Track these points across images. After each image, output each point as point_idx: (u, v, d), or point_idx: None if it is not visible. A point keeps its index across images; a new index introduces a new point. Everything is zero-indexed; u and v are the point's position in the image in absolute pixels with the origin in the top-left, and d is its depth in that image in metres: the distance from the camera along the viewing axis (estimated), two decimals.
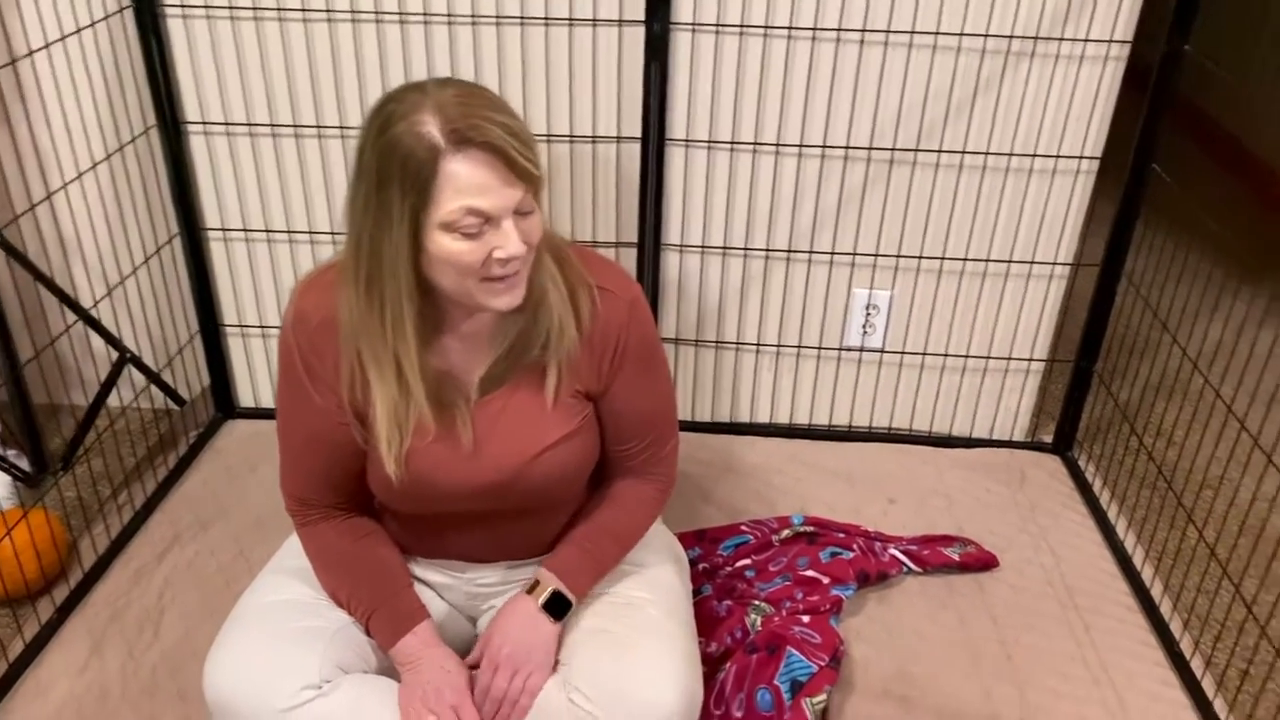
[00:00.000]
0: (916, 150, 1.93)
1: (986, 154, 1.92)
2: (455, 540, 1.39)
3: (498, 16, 1.84)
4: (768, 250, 2.04)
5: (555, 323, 1.25)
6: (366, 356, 1.21)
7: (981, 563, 1.83)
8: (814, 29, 1.83)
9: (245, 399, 2.25)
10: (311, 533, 1.37)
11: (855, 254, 2.03)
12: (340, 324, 1.22)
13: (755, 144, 1.93)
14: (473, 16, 1.84)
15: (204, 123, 1.95)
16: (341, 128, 1.94)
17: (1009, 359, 2.12)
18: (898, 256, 2.03)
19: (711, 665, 1.54)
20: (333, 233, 2.05)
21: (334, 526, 1.36)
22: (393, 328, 1.18)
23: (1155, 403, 2.22)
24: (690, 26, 1.84)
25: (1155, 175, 1.85)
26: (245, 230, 2.06)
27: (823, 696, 1.47)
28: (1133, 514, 1.97)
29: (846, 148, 1.93)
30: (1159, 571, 1.83)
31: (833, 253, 2.03)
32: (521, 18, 1.84)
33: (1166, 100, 1.83)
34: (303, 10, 1.85)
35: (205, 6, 1.85)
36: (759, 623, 1.59)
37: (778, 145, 1.93)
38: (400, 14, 1.85)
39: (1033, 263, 2.01)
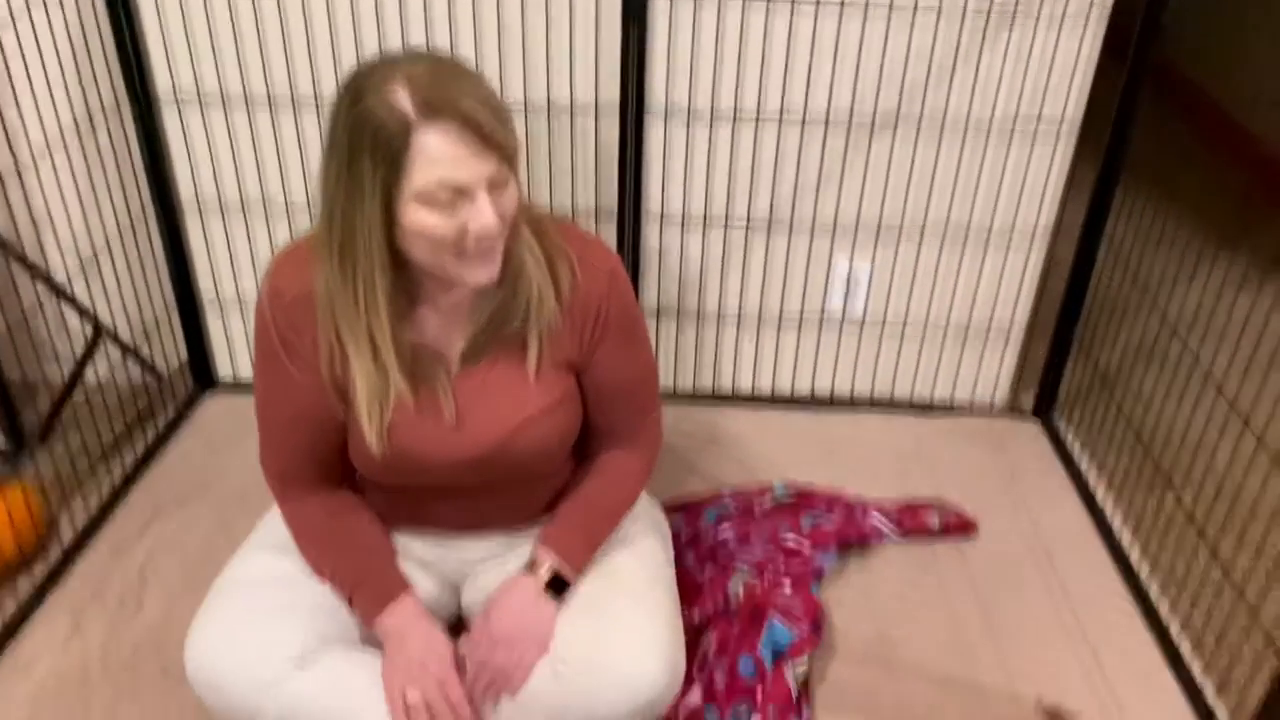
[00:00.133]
0: (897, 117, 1.92)
1: (967, 119, 1.91)
2: (439, 512, 1.39)
3: None
4: (748, 220, 2.03)
5: (534, 294, 1.24)
6: (344, 330, 1.20)
7: (961, 528, 1.84)
8: None
9: (224, 372, 2.23)
10: (294, 508, 1.36)
11: (836, 222, 2.02)
12: (317, 298, 1.21)
13: (735, 112, 1.92)
14: None
15: (176, 93, 1.92)
16: (316, 98, 1.92)
17: (989, 326, 2.12)
18: (878, 224, 2.02)
19: (694, 633, 1.55)
20: (309, 204, 2.03)
21: (316, 501, 1.36)
22: (366, 302, 1.17)
23: (1135, 368, 2.24)
24: None
25: (1135, 140, 1.85)
26: (220, 202, 2.03)
27: (804, 662, 1.49)
28: (1112, 478, 1.98)
29: (827, 115, 1.92)
30: (1137, 535, 1.85)
31: (813, 221, 2.02)
32: None
33: (1146, 65, 1.82)
34: None
35: None
36: (741, 591, 1.60)
37: (758, 113, 1.92)
38: None
39: (1013, 229, 2.01)
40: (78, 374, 1.98)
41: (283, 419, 1.31)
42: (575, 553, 1.34)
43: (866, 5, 1.82)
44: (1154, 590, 1.73)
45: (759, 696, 1.44)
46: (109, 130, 1.94)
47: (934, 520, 1.83)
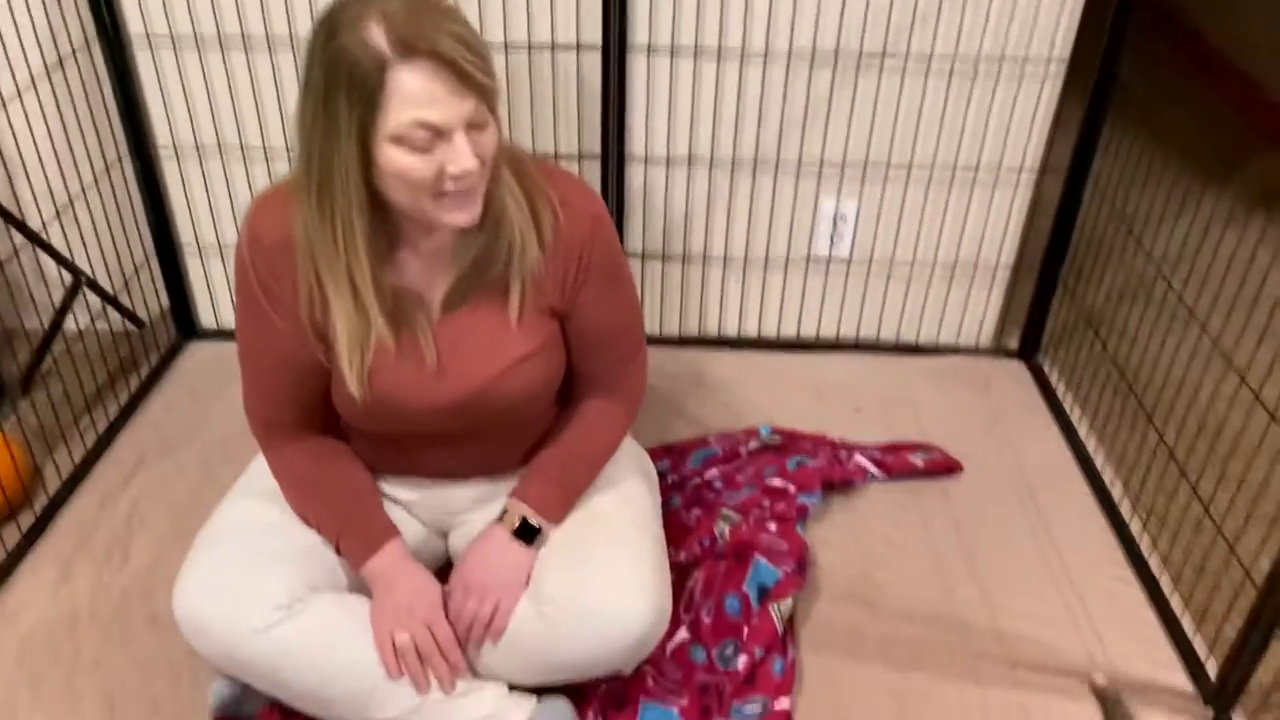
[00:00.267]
0: (883, 54, 1.89)
1: (954, 57, 1.89)
2: (424, 458, 1.39)
3: None
4: (733, 160, 2.00)
5: (517, 238, 1.23)
6: (323, 273, 1.19)
7: (945, 468, 1.85)
8: None
9: (206, 320, 2.22)
10: (278, 455, 1.36)
11: (822, 162, 2.00)
12: (296, 241, 1.19)
13: (720, 50, 1.89)
14: None
15: (148, 34, 1.88)
16: (292, 37, 1.88)
17: (975, 266, 2.12)
18: (864, 164, 2.00)
19: (681, 573, 1.56)
20: (288, 149, 1.99)
21: (301, 448, 1.35)
22: (345, 244, 1.15)
23: (1119, 307, 2.24)
24: None
25: (1123, 78, 1.83)
26: (197, 146, 2.00)
27: (789, 601, 1.50)
28: (1095, 417, 2.00)
29: (813, 53, 1.89)
30: (1119, 473, 1.87)
31: (799, 161, 2.00)
32: None
33: (1133, 2, 1.79)
34: None
35: None
36: (727, 531, 1.61)
37: (743, 50, 1.89)
38: None
39: (999, 168, 2.00)
40: (58, 323, 1.96)
41: (265, 366, 1.30)
42: (548, 500, 1.34)
43: None
44: (1135, 527, 1.75)
45: (745, 635, 1.46)
46: (80, 73, 1.90)
47: (919, 461, 1.84)
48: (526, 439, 1.41)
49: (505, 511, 1.35)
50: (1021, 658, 1.52)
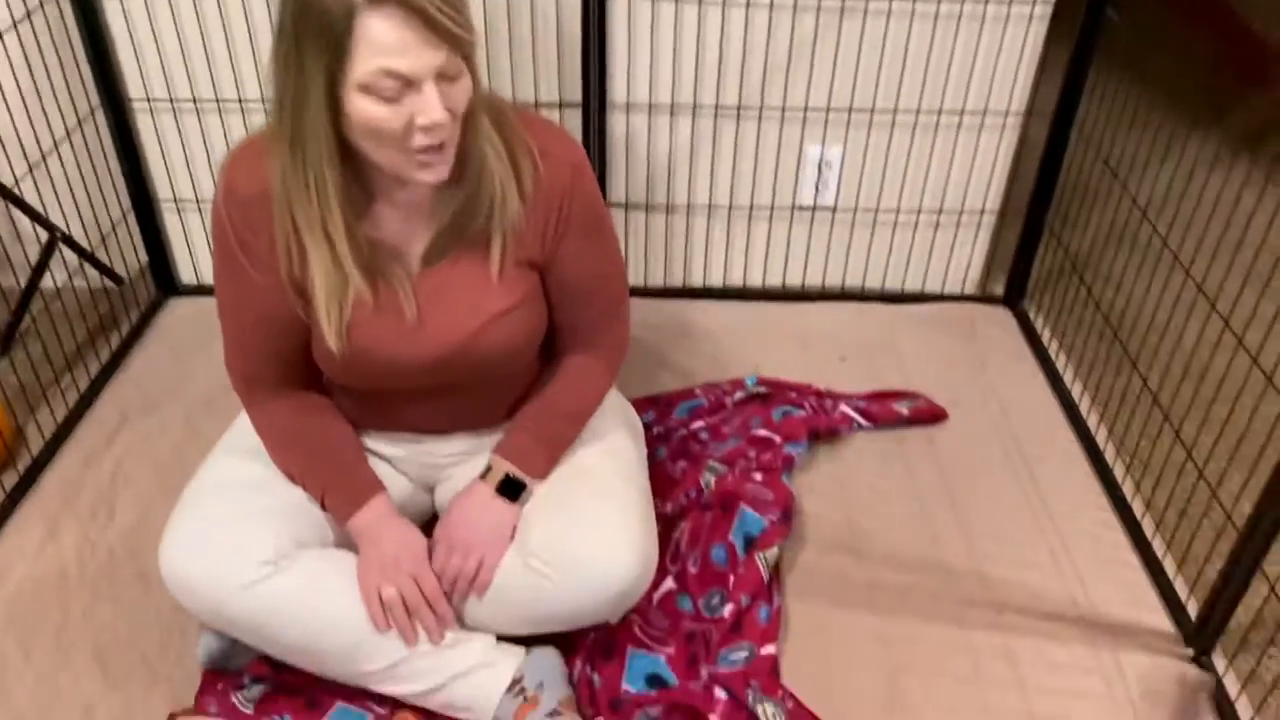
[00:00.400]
0: None
1: (939, 0, 1.86)
2: (407, 413, 1.38)
3: None
4: (717, 107, 1.98)
5: (498, 191, 1.21)
6: (300, 223, 1.17)
7: (931, 416, 1.86)
8: None
9: (186, 276, 2.19)
10: (261, 411, 1.35)
11: (806, 109, 1.98)
12: (273, 192, 1.17)
13: None
14: None
15: None
16: None
17: (961, 212, 2.11)
18: (849, 110, 1.98)
19: (667, 525, 1.57)
20: (263, 99, 1.96)
21: (283, 404, 1.35)
22: (317, 194, 1.13)
23: (1105, 251, 2.23)
24: None
25: (1109, 20, 1.81)
26: (172, 99, 1.96)
27: (775, 550, 1.51)
28: (1080, 363, 2.00)
29: None
30: (1104, 418, 1.87)
31: (783, 108, 1.98)
32: None
33: None
34: None
35: None
36: (713, 482, 1.61)
37: None
38: None
39: (985, 113, 1.98)
40: (35, 281, 1.94)
41: (245, 321, 1.29)
42: (532, 455, 1.34)
43: None
44: (1119, 471, 1.76)
45: (731, 584, 1.47)
46: (49, 25, 1.86)
47: (904, 409, 1.85)
48: (510, 394, 1.40)
49: (489, 467, 1.34)
50: (1006, 602, 1.53)
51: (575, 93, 1.95)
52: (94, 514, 1.65)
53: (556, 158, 1.25)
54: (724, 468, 1.65)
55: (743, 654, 1.40)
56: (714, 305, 2.16)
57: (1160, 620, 1.52)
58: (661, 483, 1.62)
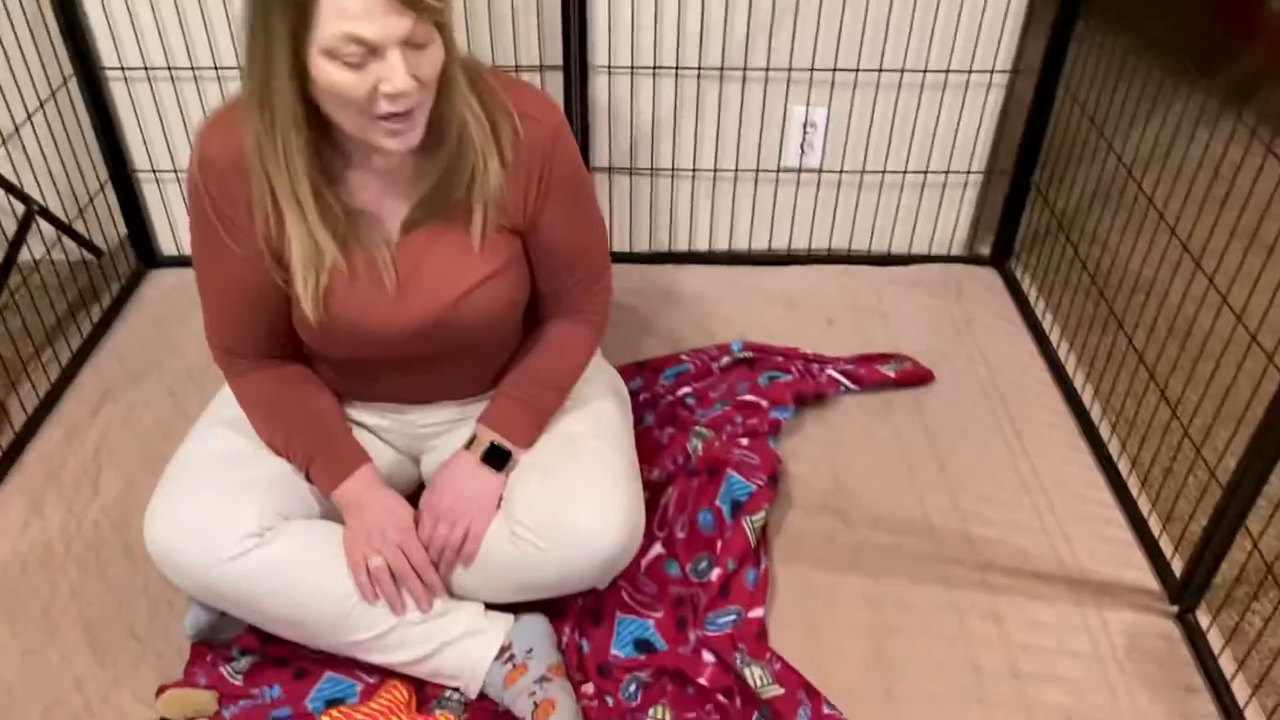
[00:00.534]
0: None
1: None
2: (391, 383, 1.38)
3: None
4: (700, 69, 1.96)
5: (479, 159, 1.19)
6: (277, 189, 1.15)
7: (917, 378, 1.85)
8: None
9: (167, 247, 2.17)
10: (242, 383, 1.34)
11: (790, 69, 1.96)
12: (248, 159, 1.16)
13: None
14: None
15: None
16: None
17: (947, 172, 2.09)
18: (834, 70, 1.96)
19: (654, 491, 1.57)
20: (239, 67, 1.93)
21: (265, 375, 1.34)
22: (285, 159, 1.12)
23: (1091, 210, 2.22)
24: None
25: None
26: (146, 68, 1.93)
27: (762, 514, 1.51)
28: (1066, 322, 2.00)
29: None
30: (1090, 378, 1.88)
31: (767, 69, 1.96)
32: None
33: None
34: None
35: None
36: (700, 448, 1.61)
37: None
38: None
39: (970, 71, 1.96)
40: (12, 255, 1.92)
41: (225, 293, 1.28)
42: (516, 424, 1.34)
43: None
44: (1105, 430, 1.76)
45: (718, 548, 1.47)
46: None
47: (890, 371, 1.84)
48: (493, 362, 1.39)
49: (474, 437, 1.34)
50: (992, 561, 1.54)
51: (556, 56, 1.92)
52: (78, 489, 1.64)
53: (537, 121, 1.24)
54: (711, 433, 1.65)
55: (730, 617, 1.40)
56: (700, 270, 2.15)
57: (1145, 578, 1.52)
58: (649, 449, 1.62)
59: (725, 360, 1.84)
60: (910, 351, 1.92)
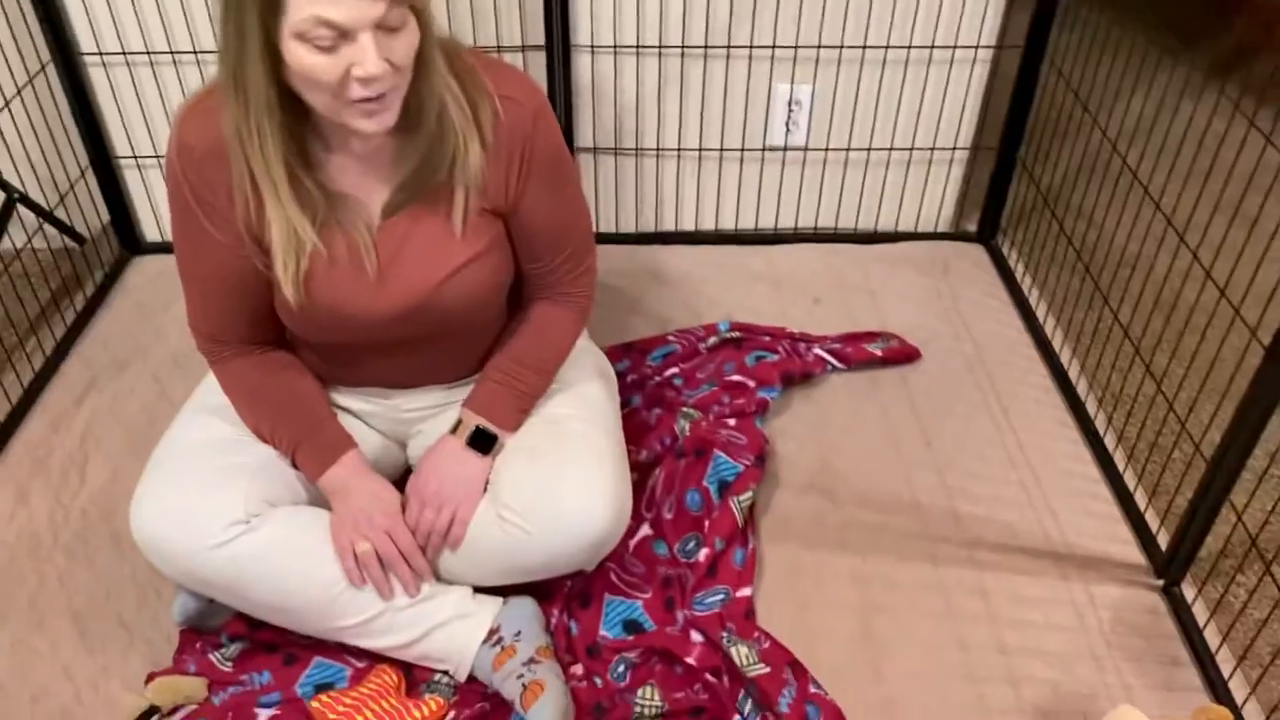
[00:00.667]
0: None
1: None
2: (375, 367, 1.37)
3: None
4: (684, 47, 1.95)
5: (460, 143, 1.18)
6: (256, 173, 1.14)
7: (904, 356, 1.85)
8: None
9: (150, 233, 2.16)
10: (226, 370, 1.34)
11: (774, 47, 1.95)
12: (228, 144, 1.15)
13: None
14: None
15: None
16: None
17: (932, 149, 2.09)
18: (818, 47, 1.95)
19: (642, 472, 1.57)
20: (218, 51, 1.91)
21: (249, 362, 1.33)
22: (260, 143, 1.11)
23: (1077, 185, 2.22)
24: None
25: None
26: (125, 53, 1.91)
27: (749, 494, 1.51)
28: (1053, 298, 2.00)
29: None
30: (1076, 353, 1.88)
31: (751, 46, 1.95)
32: None
33: None
34: None
35: None
36: (687, 428, 1.61)
37: None
38: None
39: (955, 47, 1.95)
40: None
41: (206, 279, 1.27)
42: (501, 407, 1.33)
43: None
44: (1091, 405, 1.77)
45: (706, 528, 1.47)
46: None
47: (877, 350, 1.84)
48: (478, 346, 1.39)
49: (459, 421, 1.34)
50: (979, 538, 1.55)
51: (539, 35, 1.91)
52: (65, 478, 1.64)
53: (517, 102, 1.23)
54: (698, 414, 1.65)
55: (718, 597, 1.40)
56: (686, 250, 2.15)
57: (1131, 552, 1.53)
58: (636, 430, 1.62)
59: (712, 340, 1.83)
60: (897, 329, 1.92)
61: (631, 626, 1.39)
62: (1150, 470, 1.64)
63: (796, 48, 1.95)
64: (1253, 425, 1.31)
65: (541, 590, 1.38)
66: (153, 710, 1.29)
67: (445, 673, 1.33)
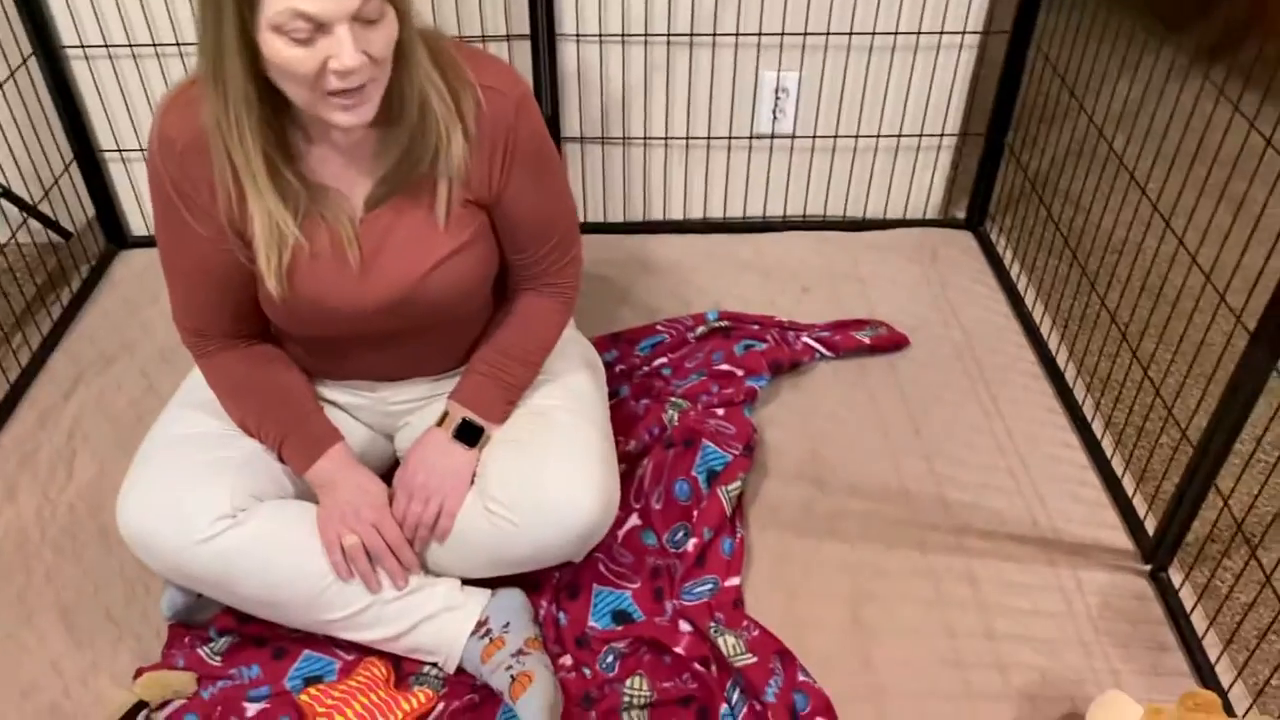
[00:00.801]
0: None
1: None
2: (361, 360, 1.37)
3: None
4: (669, 36, 1.94)
5: (443, 134, 1.18)
6: (237, 166, 1.14)
7: (893, 343, 1.85)
8: None
9: (136, 227, 2.15)
10: (211, 364, 1.33)
11: (761, 34, 1.94)
12: (209, 136, 1.14)
13: None
14: None
15: None
16: None
17: (920, 136, 2.08)
18: (804, 34, 1.94)
19: (631, 462, 1.57)
20: (197, 43, 1.90)
21: (234, 356, 1.33)
22: (239, 134, 1.10)
23: (1065, 170, 2.22)
24: None
25: None
26: (107, 45, 1.90)
27: (738, 483, 1.51)
28: (1041, 284, 2.00)
29: None
30: (1064, 339, 1.88)
31: (737, 34, 1.94)
32: None
33: None
34: None
35: None
36: (675, 418, 1.61)
37: None
38: None
39: (942, 33, 1.95)
40: None
41: (190, 273, 1.27)
42: (487, 400, 1.33)
43: None
44: (1079, 391, 1.77)
45: (694, 518, 1.47)
46: None
47: (866, 337, 1.84)
48: (464, 338, 1.38)
49: (445, 413, 1.33)
50: (968, 525, 1.55)
51: (523, 25, 1.90)
52: (52, 473, 1.63)
53: (500, 92, 1.22)
54: (686, 403, 1.65)
55: (707, 587, 1.41)
56: (674, 239, 2.14)
57: (1119, 538, 1.54)
58: (624, 420, 1.62)
59: (701, 330, 1.83)
60: (886, 317, 1.92)
61: (620, 617, 1.39)
62: (1138, 456, 1.64)
63: (783, 35, 1.94)
64: (1238, 410, 1.31)
65: (530, 581, 1.38)
66: (141, 705, 1.29)
67: (434, 665, 1.33)
